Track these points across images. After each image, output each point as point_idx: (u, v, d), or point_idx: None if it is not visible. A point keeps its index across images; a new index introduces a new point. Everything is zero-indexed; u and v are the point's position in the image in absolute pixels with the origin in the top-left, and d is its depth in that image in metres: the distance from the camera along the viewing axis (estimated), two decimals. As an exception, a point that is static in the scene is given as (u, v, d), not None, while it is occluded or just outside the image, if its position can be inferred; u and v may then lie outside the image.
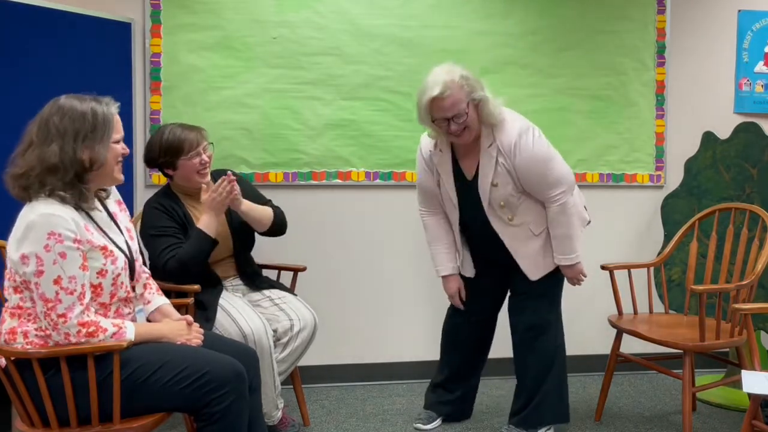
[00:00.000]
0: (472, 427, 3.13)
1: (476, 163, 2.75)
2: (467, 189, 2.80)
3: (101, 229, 2.09)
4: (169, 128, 2.83)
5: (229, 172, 2.86)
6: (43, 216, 1.92)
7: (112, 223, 2.16)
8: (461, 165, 2.80)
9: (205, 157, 2.82)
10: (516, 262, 2.82)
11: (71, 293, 1.93)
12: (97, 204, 2.13)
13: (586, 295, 3.74)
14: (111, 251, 2.05)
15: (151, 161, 2.85)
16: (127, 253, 2.15)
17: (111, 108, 2.07)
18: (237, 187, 2.77)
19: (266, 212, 2.96)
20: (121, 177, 2.15)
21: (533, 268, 2.82)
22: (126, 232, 2.22)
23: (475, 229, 2.88)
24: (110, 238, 2.10)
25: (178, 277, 2.71)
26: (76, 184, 2.00)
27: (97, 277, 2.01)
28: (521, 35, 3.68)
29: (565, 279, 2.90)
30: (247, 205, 2.87)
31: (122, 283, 2.10)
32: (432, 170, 2.86)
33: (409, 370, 3.72)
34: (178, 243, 2.75)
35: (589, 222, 2.97)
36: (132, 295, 2.18)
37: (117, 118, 2.10)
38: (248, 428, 2.16)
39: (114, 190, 2.25)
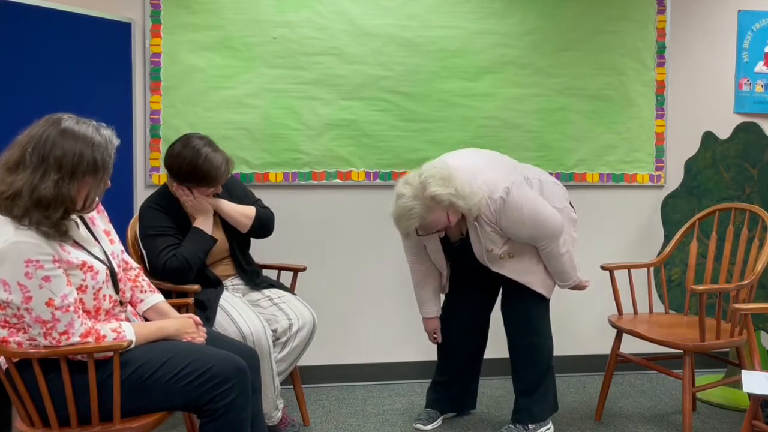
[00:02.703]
0: (472, 427, 3.13)
1: (461, 228, 2.78)
2: (458, 249, 2.86)
3: (78, 244, 2.01)
4: (204, 152, 2.72)
5: None
6: (14, 244, 1.83)
7: (90, 234, 2.09)
8: (447, 233, 2.81)
9: (220, 187, 2.82)
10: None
11: (66, 311, 1.90)
12: (74, 217, 2.03)
13: (586, 295, 3.73)
14: (90, 266, 1.99)
15: (170, 172, 2.80)
16: (107, 262, 2.08)
17: (112, 147, 1.98)
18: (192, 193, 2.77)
19: (246, 212, 2.94)
20: (95, 206, 2.06)
21: (543, 288, 2.89)
22: (104, 236, 2.15)
23: (472, 267, 2.88)
24: (88, 252, 2.03)
25: (178, 276, 2.71)
26: (60, 222, 1.90)
27: (78, 293, 1.96)
28: (521, 35, 3.68)
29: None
30: (226, 206, 2.88)
31: (105, 295, 2.04)
32: (415, 237, 2.85)
33: (409, 370, 3.72)
34: (178, 243, 2.76)
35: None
36: (118, 304, 2.12)
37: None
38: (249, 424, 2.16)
39: None
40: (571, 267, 2.88)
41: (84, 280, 1.97)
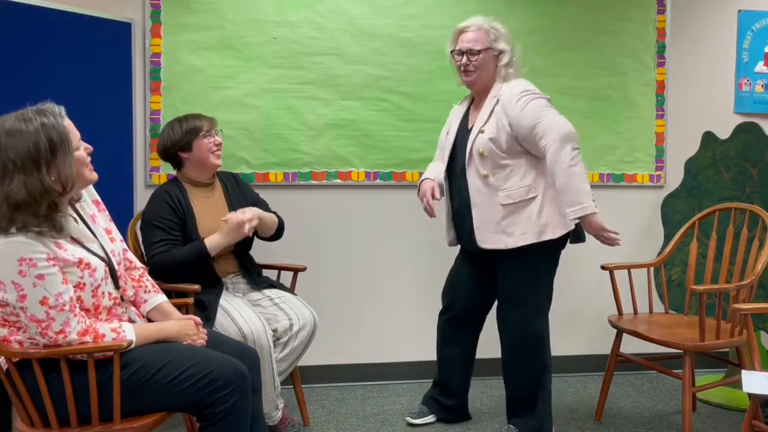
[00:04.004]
0: (472, 427, 3.13)
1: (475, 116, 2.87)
2: (463, 135, 2.90)
3: (75, 240, 2.01)
4: (183, 116, 2.94)
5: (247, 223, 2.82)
6: (5, 243, 1.84)
7: (88, 231, 2.08)
8: (470, 116, 2.92)
9: (218, 138, 2.92)
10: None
11: (62, 309, 1.89)
12: (71, 212, 2.03)
13: (586, 295, 3.75)
14: (87, 263, 1.98)
15: (172, 145, 2.88)
16: (107, 259, 2.08)
17: (61, 119, 1.94)
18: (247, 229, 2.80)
19: (274, 220, 3.02)
20: (95, 176, 2.04)
21: (481, 232, 2.80)
22: (105, 234, 2.15)
23: (455, 181, 2.92)
24: (86, 248, 2.02)
25: (159, 273, 2.69)
26: (50, 215, 1.88)
27: (76, 291, 1.95)
28: (521, 35, 3.67)
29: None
30: (265, 216, 2.93)
31: (104, 292, 2.04)
32: (449, 122, 3.04)
33: (409, 370, 3.72)
34: (172, 240, 2.76)
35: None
36: (119, 301, 2.12)
37: (69, 125, 1.96)
38: (249, 428, 2.15)
39: (91, 189, 2.17)
40: (577, 186, 2.62)
41: (82, 278, 1.97)
